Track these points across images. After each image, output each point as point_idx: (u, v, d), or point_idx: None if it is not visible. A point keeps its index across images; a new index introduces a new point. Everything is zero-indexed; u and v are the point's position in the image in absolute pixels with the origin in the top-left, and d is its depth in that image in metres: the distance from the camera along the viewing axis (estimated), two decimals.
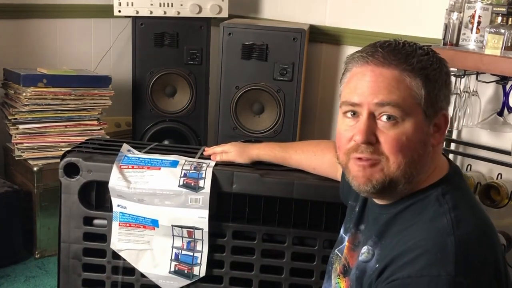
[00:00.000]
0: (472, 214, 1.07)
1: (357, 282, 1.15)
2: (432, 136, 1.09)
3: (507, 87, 2.20)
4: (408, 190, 1.10)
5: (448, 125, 1.13)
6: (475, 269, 0.99)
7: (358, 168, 1.09)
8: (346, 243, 1.28)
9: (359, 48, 1.15)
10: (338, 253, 1.30)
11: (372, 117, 1.06)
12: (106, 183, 1.61)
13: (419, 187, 1.11)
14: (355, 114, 1.09)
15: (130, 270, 1.67)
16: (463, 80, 2.22)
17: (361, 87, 1.08)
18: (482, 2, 2.05)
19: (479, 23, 2.06)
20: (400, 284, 0.99)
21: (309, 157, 1.59)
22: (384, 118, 1.06)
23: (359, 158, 1.08)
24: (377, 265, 1.08)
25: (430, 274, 0.96)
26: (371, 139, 1.06)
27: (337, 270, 1.29)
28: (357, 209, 1.27)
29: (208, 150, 1.71)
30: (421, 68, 1.06)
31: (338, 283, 1.26)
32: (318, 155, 1.56)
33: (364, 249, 1.15)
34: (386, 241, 1.10)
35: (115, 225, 1.64)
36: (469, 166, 2.38)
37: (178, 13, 2.89)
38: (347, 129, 1.11)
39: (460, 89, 2.24)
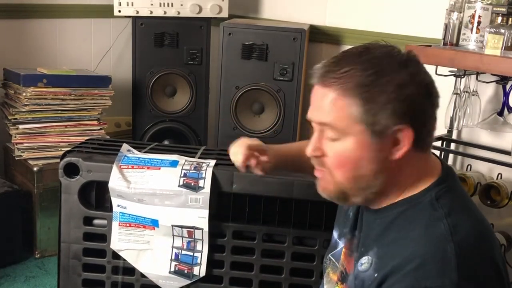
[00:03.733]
0: (468, 216, 1.06)
1: None
2: (390, 152, 1.06)
3: (507, 87, 2.20)
4: (386, 197, 1.10)
5: (411, 140, 1.04)
6: (477, 272, 0.99)
7: (317, 178, 1.15)
8: (343, 249, 1.25)
9: None
10: (332, 258, 1.28)
11: (322, 132, 1.10)
12: (106, 183, 1.61)
13: (412, 193, 1.09)
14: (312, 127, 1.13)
15: (130, 270, 1.67)
16: (463, 80, 2.22)
17: (311, 104, 1.11)
18: (482, 2, 2.05)
19: (479, 23, 2.06)
20: None
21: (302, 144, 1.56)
22: (326, 135, 1.09)
23: (315, 169, 1.14)
24: (375, 275, 1.07)
25: (434, 285, 0.96)
26: (316, 153, 1.10)
27: (330, 275, 1.27)
28: (350, 214, 1.25)
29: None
30: (358, 86, 1.03)
31: None
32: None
33: (364, 259, 1.13)
34: (383, 249, 1.09)
35: (115, 225, 1.64)
36: (469, 166, 2.38)
37: (178, 13, 2.89)
38: (310, 140, 1.15)
39: (460, 89, 2.24)
